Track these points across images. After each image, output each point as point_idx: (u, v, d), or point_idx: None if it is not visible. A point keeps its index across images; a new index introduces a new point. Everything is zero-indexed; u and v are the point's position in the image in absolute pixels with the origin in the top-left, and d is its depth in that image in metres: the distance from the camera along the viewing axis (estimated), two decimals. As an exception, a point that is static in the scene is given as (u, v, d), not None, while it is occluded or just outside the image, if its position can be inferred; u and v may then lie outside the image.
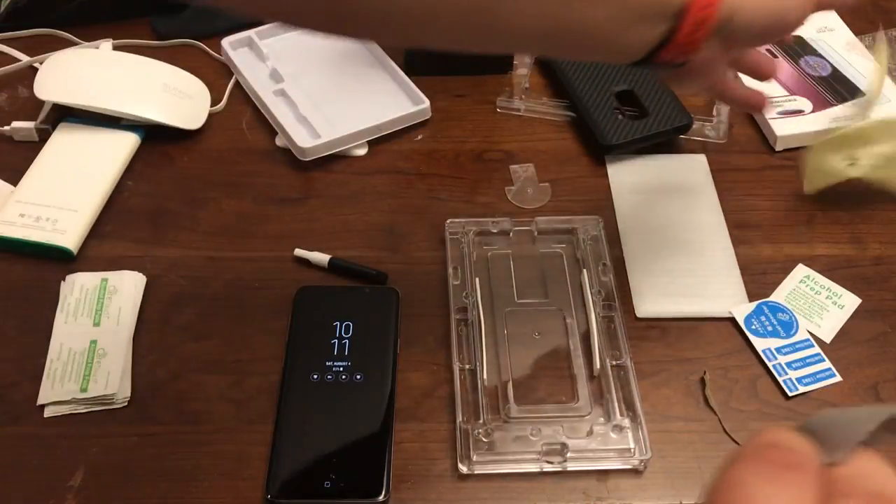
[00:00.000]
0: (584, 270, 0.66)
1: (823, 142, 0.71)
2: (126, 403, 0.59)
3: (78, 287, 0.65)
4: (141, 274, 0.66)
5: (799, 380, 0.61)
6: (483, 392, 0.59)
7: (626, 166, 0.75)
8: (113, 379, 0.60)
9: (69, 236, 0.67)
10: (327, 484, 0.54)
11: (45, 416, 0.58)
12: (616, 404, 0.59)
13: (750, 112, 0.79)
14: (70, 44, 0.85)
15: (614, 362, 0.61)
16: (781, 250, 0.70)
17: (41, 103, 0.75)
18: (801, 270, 0.68)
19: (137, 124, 0.76)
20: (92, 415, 0.59)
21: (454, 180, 0.74)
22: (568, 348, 0.62)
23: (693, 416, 0.60)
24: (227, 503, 0.55)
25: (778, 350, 0.63)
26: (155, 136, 0.76)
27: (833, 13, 0.89)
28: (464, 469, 0.56)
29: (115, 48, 0.82)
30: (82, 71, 0.76)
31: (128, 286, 0.65)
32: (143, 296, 0.64)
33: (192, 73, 0.80)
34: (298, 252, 0.68)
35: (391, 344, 0.62)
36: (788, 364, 0.62)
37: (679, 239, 0.70)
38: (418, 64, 0.82)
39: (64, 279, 0.65)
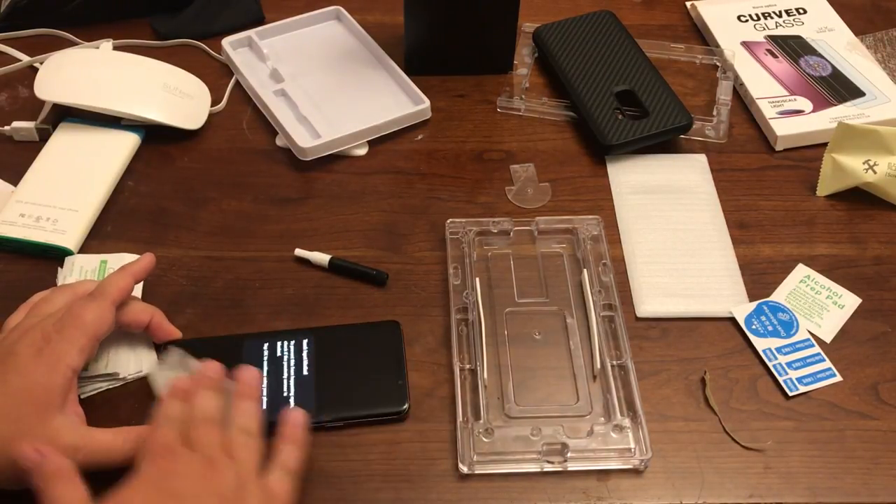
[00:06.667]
0: (585, 270, 0.66)
1: (844, 138, 0.71)
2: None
3: (77, 268, 0.65)
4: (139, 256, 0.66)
5: (799, 379, 0.61)
6: (483, 392, 0.59)
7: (626, 166, 0.75)
8: (114, 358, 0.60)
9: (69, 236, 0.67)
10: None
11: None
12: (616, 404, 0.59)
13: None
14: (70, 44, 0.85)
15: (615, 362, 0.61)
16: (781, 250, 0.70)
17: (41, 103, 0.75)
18: (801, 270, 0.68)
19: (137, 124, 0.76)
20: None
21: (454, 180, 0.74)
22: (568, 348, 0.62)
23: (693, 416, 0.60)
24: None
25: (778, 350, 0.63)
26: (155, 136, 0.76)
27: (834, 13, 0.89)
28: (464, 469, 0.56)
29: (115, 48, 0.82)
30: (82, 71, 0.76)
31: None
32: (144, 296, 0.64)
33: (192, 73, 0.80)
34: (299, 252, 0.68)
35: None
36: (789, 364, 0.62)
37: (679, 239, 0.70)
38: (418, 64, 0.82)
39: (62, 264, 0.66)
